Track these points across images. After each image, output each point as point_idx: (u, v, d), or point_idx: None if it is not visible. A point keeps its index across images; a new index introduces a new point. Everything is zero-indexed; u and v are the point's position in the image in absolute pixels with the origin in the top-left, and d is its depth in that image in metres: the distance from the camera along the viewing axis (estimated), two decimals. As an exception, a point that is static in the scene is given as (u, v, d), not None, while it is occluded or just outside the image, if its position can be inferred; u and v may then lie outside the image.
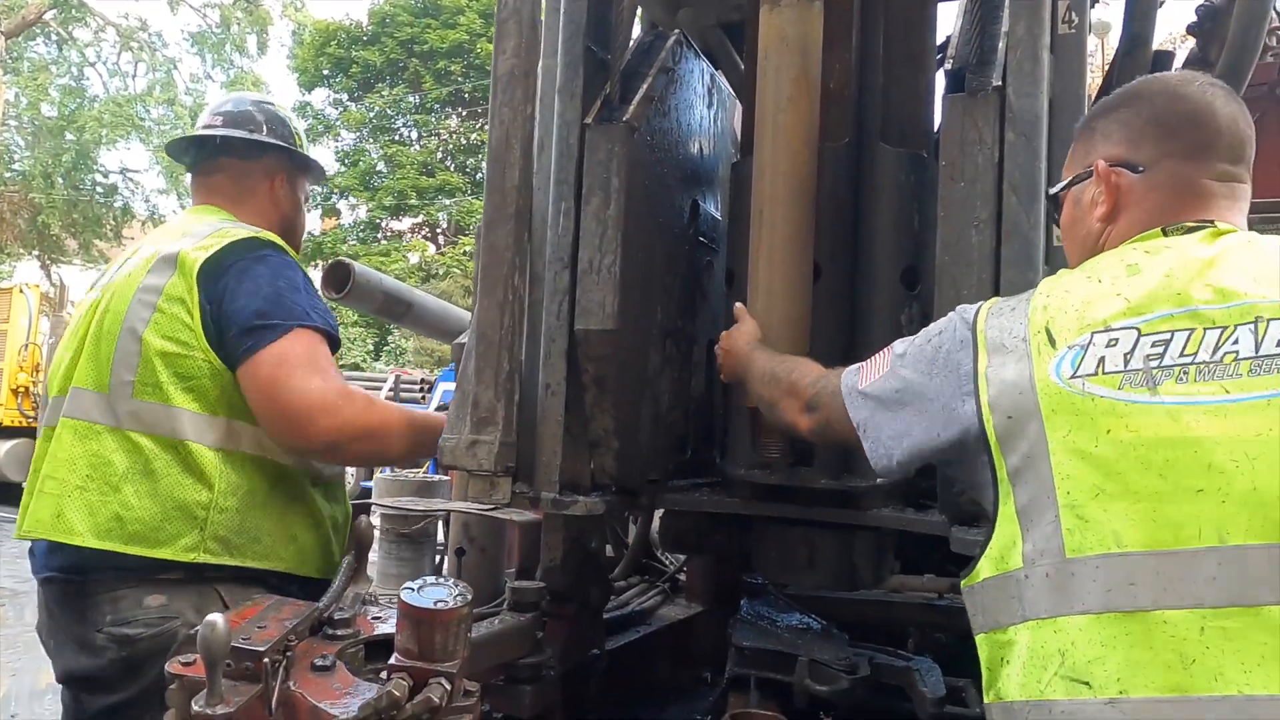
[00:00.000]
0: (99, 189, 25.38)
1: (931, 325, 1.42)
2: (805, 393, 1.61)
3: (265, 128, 2.16)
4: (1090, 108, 1.76)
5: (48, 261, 25.11)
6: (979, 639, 1.20)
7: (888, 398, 1.38)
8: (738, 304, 2.03)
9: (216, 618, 1.36)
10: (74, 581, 1.81)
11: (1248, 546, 0.98)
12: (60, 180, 23.80)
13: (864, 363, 1.52)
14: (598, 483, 2.11)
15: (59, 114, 24.40)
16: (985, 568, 1.16)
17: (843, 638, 2.22)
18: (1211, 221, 1.25)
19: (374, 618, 1.76)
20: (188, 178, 2.25)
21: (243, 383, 1.84)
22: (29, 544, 1.96)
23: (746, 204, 2.23)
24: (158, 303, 1.84)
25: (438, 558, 2.18)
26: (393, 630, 1.71)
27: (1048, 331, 1.17)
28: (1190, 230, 1.24)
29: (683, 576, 3.04)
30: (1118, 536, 1.03)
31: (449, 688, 1.39)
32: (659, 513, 2.82)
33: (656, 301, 2.19)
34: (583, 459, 2.09)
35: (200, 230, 1.95)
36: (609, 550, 3.00)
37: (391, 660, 1.42)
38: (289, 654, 1.49)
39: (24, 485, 2.03)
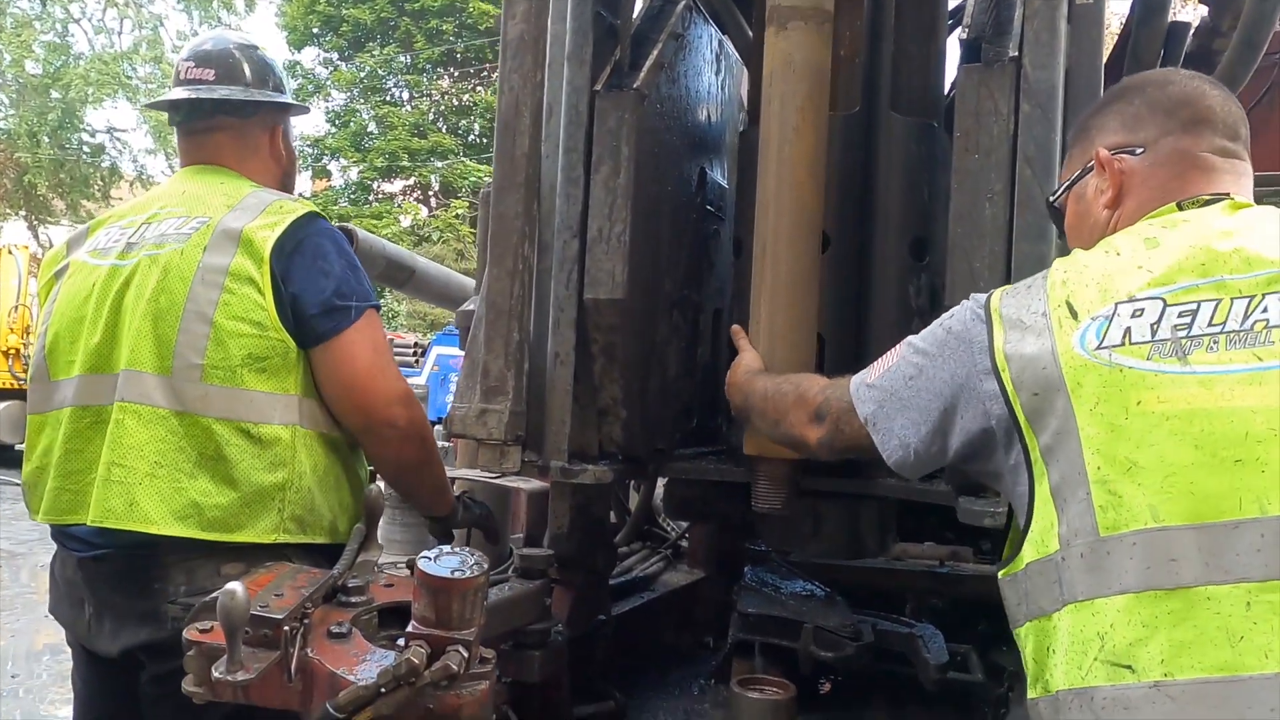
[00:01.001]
0: (86, 148, 25.02)
1: (943, 315, 1.37)
2: (813, 401, 1.51)
3: (254, 77, 2.12)
4: (1102, 79, 1.76)
5: (35, 222, 24.83)
6: (1024, 630, 1.16)
7: (898, 386, 1.32)
8: (736, 327, 1.97)
9: (236, 586, 1.38)
10: (139, 557, 1.80)
11: None
12: (46, 139, 23.46)
13: (875, 361, 1.47)
14: (605, 451, 2.12)
15: (44, 72, 23.99)
16: (1028, 553, 1.12)
17: (845, 605, 2.25)
18: (1228, 194, 1.24)
19: (386, 585, 1.78)
20: (175, 133, 2.20)
21: (322, 361, 1.85)
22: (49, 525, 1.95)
23: (754, 173, 2.23)
24: (225, 283, 1.81)
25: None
26: (405, 597, 1.73)
27: (1069, 304, 1.15)
28: (1207, 203, 1.23)
29: (684, 543, 3.06)
30: (1154, 511, 1.00)
31: (466, 655, 1.41)
32: (662, 480, 2.84)
33: (664, 271, 2.19)
34: (590, 428, 2.10)
35: (250, 203, 1.91)
36: (611, 517, 3.02)
37: (409, 628, 1.43)
38: (306, 621, 1.51)
39: (17, 449, 2.02)
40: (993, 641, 2.40)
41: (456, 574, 1.41)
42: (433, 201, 28.03)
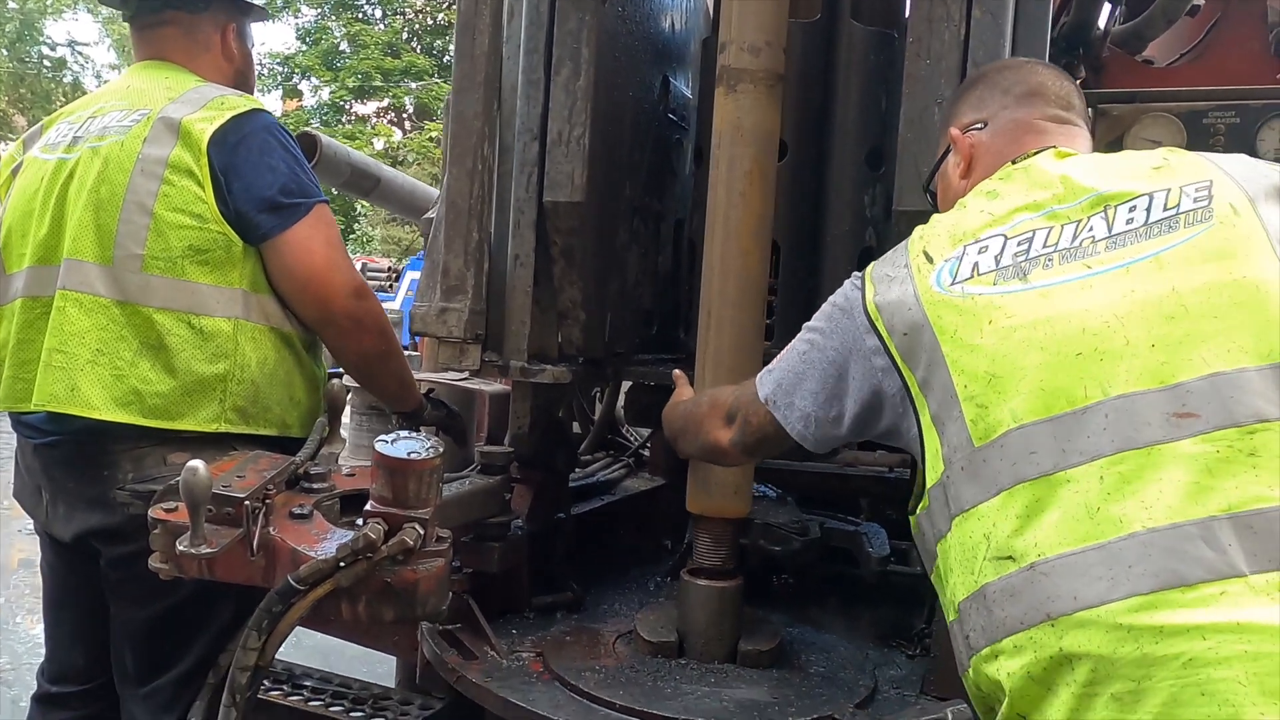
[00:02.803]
0: (46, 62, 24.25)
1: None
2: (723, 405, 1.52)
3: None
4: None
5: (-5, 138, 24.16)
6: (935, 564, 1.21)
7: (794, 364, 1.38)
8: (677, 371, 1.93)
9: (197, 464, 1.42)
10: (87, 444, 1.83)
11: (1130, 394, 1.05)
12: (4, 52, 22.69)
13: None
14: (564, 353, 2.17)
15: (0, -19, 23.11)
16: (929, 483, 1.19)
17: (795, 505, 2.34)
18: (1053, 146, 1.36)
19: (348, 474, 1.84)
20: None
21: (275, 258, 1.85)
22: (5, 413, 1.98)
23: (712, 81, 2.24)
24: (164, 174, 1.81)
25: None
26: (366, 485, 1.79)
27: (925, 253, 1.27)
28: (1036, 155, 1.36)
29: (645, 452, 3.14)
30: (1014, 413, 1.09)
31: (422, 532, 1.47)
32: (624, 390, 2.90)
33: (625, 177, 2.22)
34: (550, 330, 2.15)
35: (192, 96, 1.90)
36: (575, 427, 3.09)
37: (367, 507, 1.49)
38: (268, 502, 1.57)
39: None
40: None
41: (413, 455, 1.47)
42: (407, 124, 27.51)
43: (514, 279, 2.07)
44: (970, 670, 1.13)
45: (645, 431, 3.09)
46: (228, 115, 1.88)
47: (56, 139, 2.00)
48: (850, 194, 2.16)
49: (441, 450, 1.51)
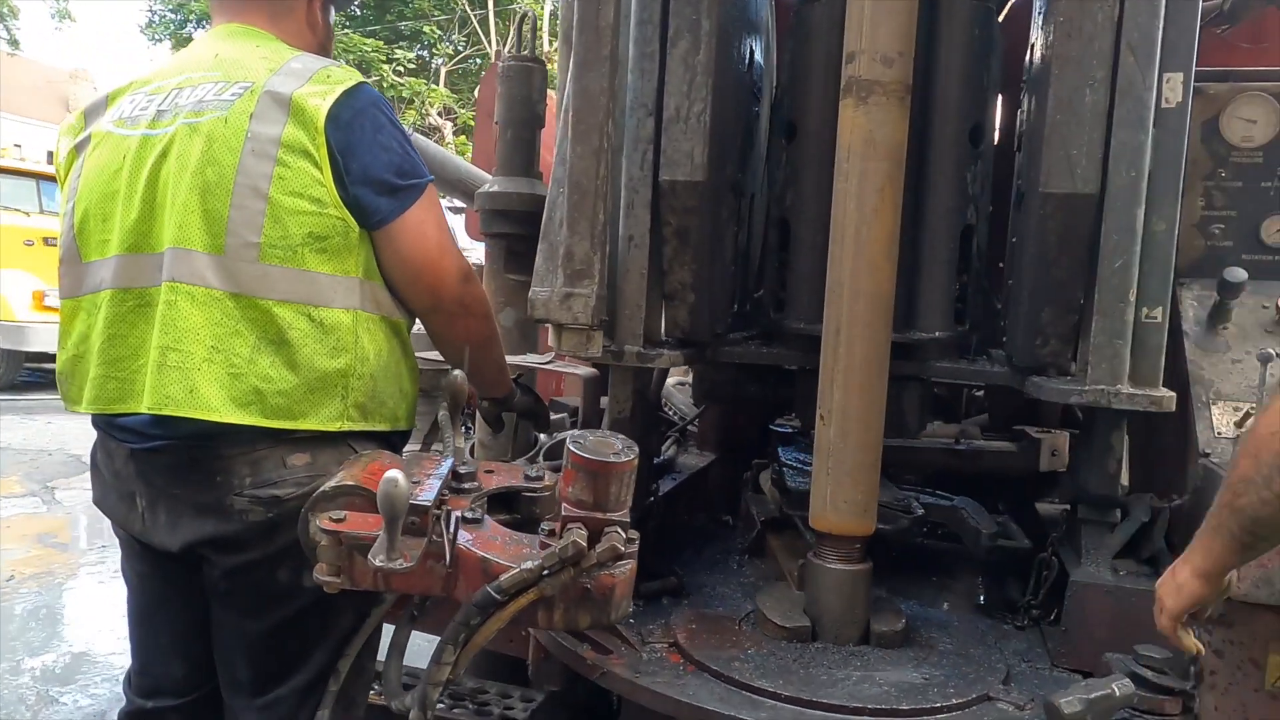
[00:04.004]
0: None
1: None
2: None
3: None
4: None
5: None
6: None
7: None
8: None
9: (397, 474, 1.33)
10: (198, 448, 1.69)
11: None
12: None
13: None
14: (669, 335, 2.12)
15: None
16: None
17: (889, 481, 2.35)
18: None
19: (486, 471, 1.76)
20: None
21: (390, 243, 1.73)
22: (91, 415, 1.82)
23: (810, 53, 2.19)
24: (278, 155, 1.66)
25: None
26: (510, 483, 1.72)
27: None
28: None
29: (691, 428, 3.12)
30: None
31: (625, 535, 1.42)
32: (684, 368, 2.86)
33: (728, 153, 2.15)
34: (656, 312, 2.09)
35: (294, 68, 1.75)
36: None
37: (563, 511, 1.42)
38: (445, 508, 1.49)
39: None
40: (1016, 511, 2.58)
41: (614, 458, 1.41)
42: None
43: (628, 261, 1.99)
44: None
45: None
46: (339, 90, 1.74)
47: (133, 112, 1.82)
48: (952, 171, 2.15)
49: (636, 450, 1.45)
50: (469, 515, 1.51)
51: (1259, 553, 1.39)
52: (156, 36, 26.32)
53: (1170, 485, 1.98)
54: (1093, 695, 1.63)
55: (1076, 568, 1.92)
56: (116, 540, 1.99)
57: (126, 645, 2.01)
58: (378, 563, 1.36)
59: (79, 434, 7.66)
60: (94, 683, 3.73)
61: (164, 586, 1.91)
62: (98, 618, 4.35)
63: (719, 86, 1.98)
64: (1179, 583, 1.45)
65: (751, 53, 2.35)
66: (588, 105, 1.85)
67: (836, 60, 1.95)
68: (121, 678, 2.05)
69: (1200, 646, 1.52)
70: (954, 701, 1.71)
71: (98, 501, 1.91)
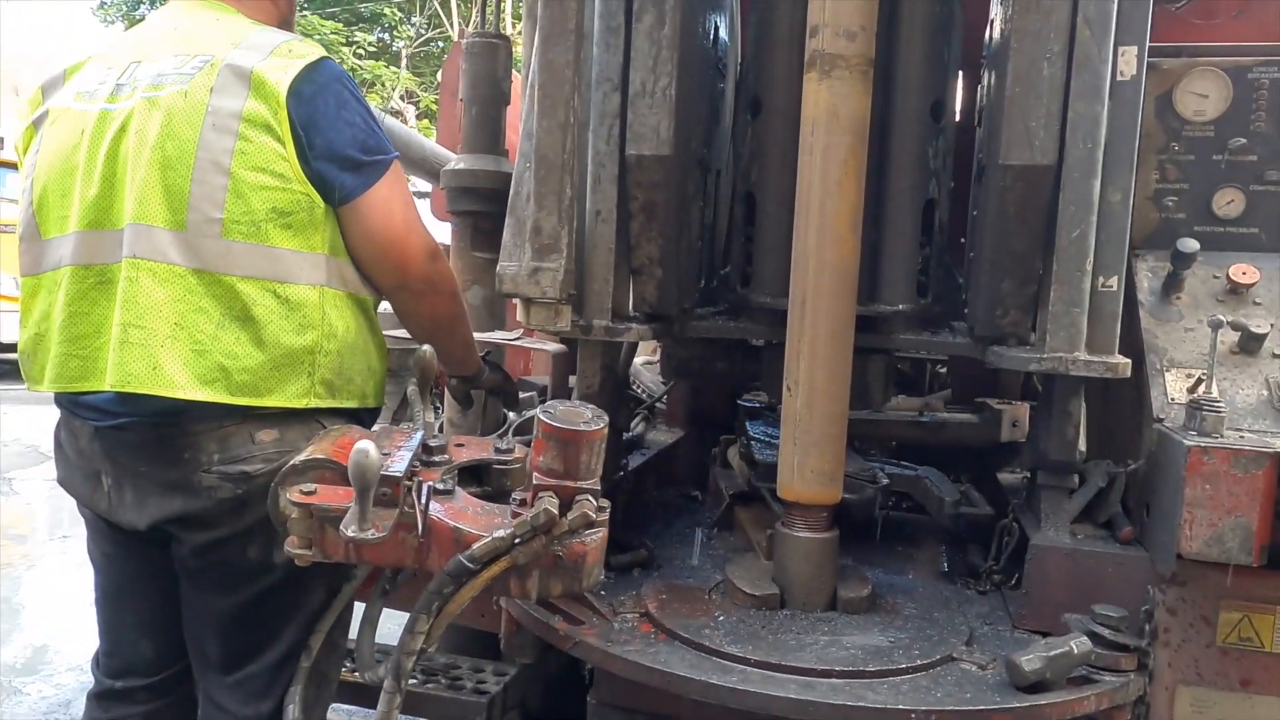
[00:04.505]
0: None
1: None
2: None
3: None
4: None
5: None
6: None
7: None
8: None
9: (368, 446, 1.34)
10: (165, 425, 1.68)
11: None
12: None
13: None
14: (638, 311, 2.13)
15: None
16: None
17: (854, 452, 2.39)
18: None
19: (456, 445, 1.77)
20: None
21: (356, 220, 1.72)
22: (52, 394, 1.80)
23: (774, 28, 2.20)
24: (239, 129, 1.64)
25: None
26: (479, 456, 1.73)
27: None
28: None
29: (660, 405, 3.14)
30: None
31: (596, 503, 1.44)
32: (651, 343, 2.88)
33: (693, 128, 2.16)
34: (624, 287, 2.10)
35: (256, 41, 1.73)
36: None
37: (534, 480, 1.43)
38: (416, 479, 1.49)
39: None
40: (978, 480, 2.63)
41: (585, 426, 1.42)
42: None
43: (596, 236, 2.00)
44: None
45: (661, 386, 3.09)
46: (300, 64, 1.72)
47: (91, 86, 1.79)
48: (914, 146, 2.17)
49: (606, 418, 1.47)
50: (440, 487, 1.52)
51: None
52: (109, 19, 25.72)
53: (1126, 451, 2.03)
54: (1052, 653, 1.68)
55: (1036, 532, 1.97)
56: (76, 531, 1.97)
57: (89, 635, 1.99)
58: (350, 533, 1.36)
59: (36, 424, 7.53)
60: (58, 672, 3.69)
61: (131, 565, 1.90)
62: (59, 608, 4.29)
63: (684, 61, 1.99)
64: None
65: (716, 28, 2.36)
66: (553, 79, 1.85)
67: (800, 36, 1.97)
68: (86, 666, 2.04)
69: None
70: (919, 663, 1.75)
71: (62, 481, 1.88)
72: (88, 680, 1.99)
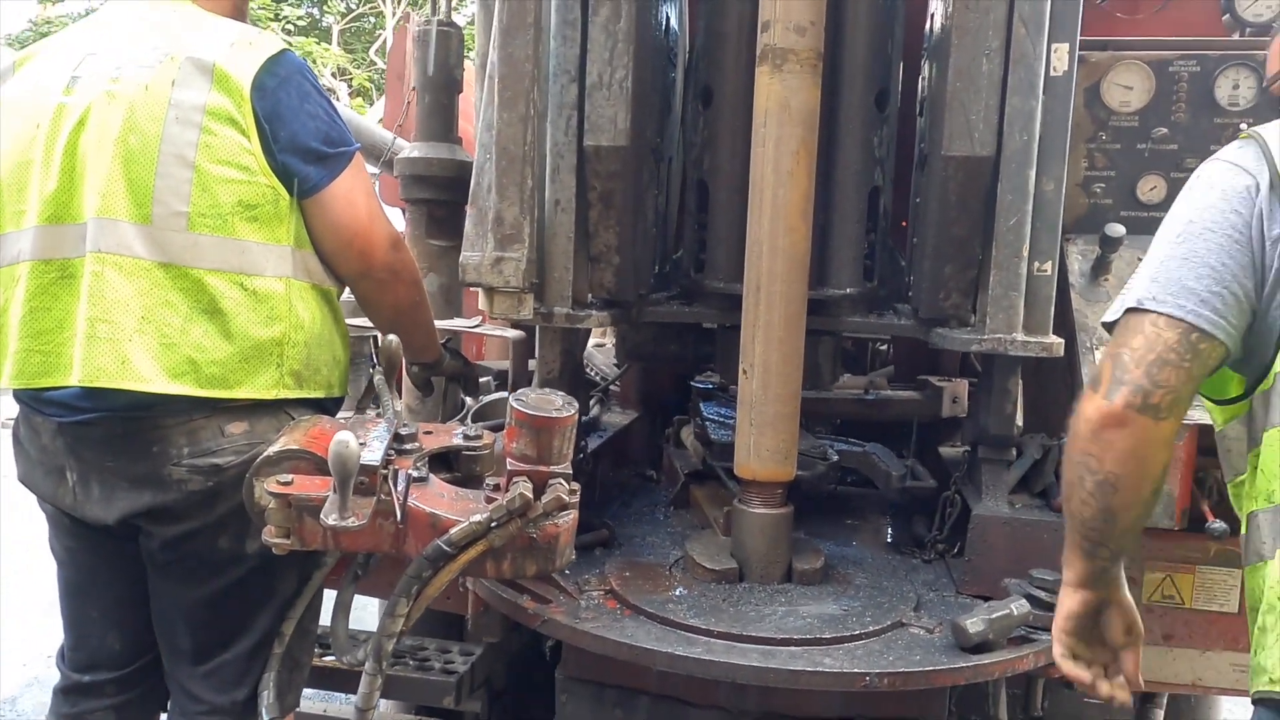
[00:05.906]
0: None
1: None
2: (1091, 384, 1.36)
3: None
4: None
5: None
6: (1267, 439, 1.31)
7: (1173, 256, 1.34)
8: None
9: (348, 436, 1.38)
10: (133, 420, 1.68)
11: None
12: None
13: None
14: (597, 298, 2.19)
15: None
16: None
17: (804, 430, 2.47)
18: None
19: (425, 432, 1.81)
20: None
21: (321, 211, 1.74)
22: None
23: (724, 20, 2.26)
24: (203, 123, 1.64)
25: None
26: (448, 443, 1.78)
27: None
28: None
29: (615, 387, 3.20)
30: None
31: (570, 487, 1.49)
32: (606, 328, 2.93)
33: (648, 117, 2.21)
34: (583, 274, 2.15)
35: (213, 34, 1.73)
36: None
37: (509, 465, 1.49)
38: (392, 467, 1.53)
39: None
40: (921, 454, 2.74)
41: (556, 413, 1.48)
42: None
43: (555, 225, 2.04)
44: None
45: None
46: (263, 57, 1.73)
47: (45, 79, 1.77)
48: (860, 135, 2.25)
49: (576, 404, 1.53)
50: (415, 474, 1.56)
51: (1103, 560, 1.41)
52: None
53: (1059, 425, 2.15)
54: (993, 616, 1.80)
55: (977, 503, 2.08)
56: (27, 530, 1.96)
57: (37, 634, 1.98)
58: (330, 522, 1.40)
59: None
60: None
61: (95, 559, 1.90)
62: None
63: (639, 53, 2.03)
64: (1060, 599, 1.49)
65: (668, 18, 2.41)
66: (514, 72, 1.89)
67: (750, 27, 2.03)
68: (32, 661, 2.03)
69: (1119, 694, 1.49)
70: (871, 629, 1.85)
71: (23, 478, 1.88)
72: (33, 675, 1.98)
